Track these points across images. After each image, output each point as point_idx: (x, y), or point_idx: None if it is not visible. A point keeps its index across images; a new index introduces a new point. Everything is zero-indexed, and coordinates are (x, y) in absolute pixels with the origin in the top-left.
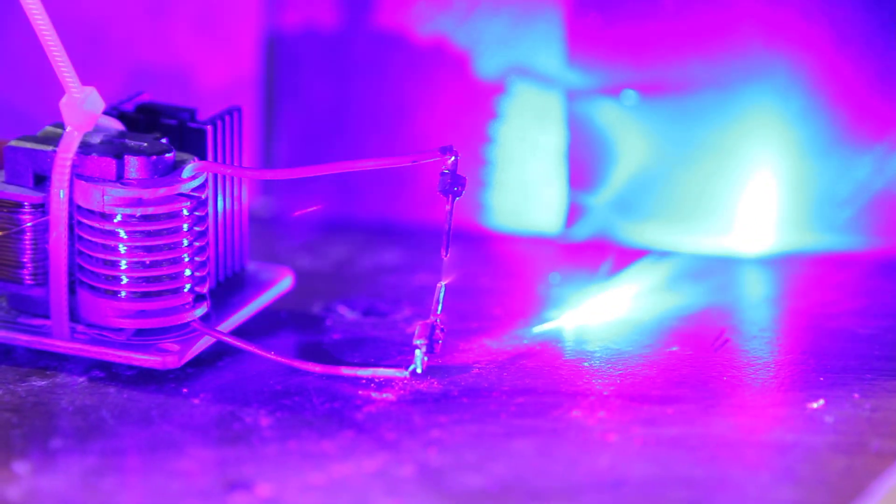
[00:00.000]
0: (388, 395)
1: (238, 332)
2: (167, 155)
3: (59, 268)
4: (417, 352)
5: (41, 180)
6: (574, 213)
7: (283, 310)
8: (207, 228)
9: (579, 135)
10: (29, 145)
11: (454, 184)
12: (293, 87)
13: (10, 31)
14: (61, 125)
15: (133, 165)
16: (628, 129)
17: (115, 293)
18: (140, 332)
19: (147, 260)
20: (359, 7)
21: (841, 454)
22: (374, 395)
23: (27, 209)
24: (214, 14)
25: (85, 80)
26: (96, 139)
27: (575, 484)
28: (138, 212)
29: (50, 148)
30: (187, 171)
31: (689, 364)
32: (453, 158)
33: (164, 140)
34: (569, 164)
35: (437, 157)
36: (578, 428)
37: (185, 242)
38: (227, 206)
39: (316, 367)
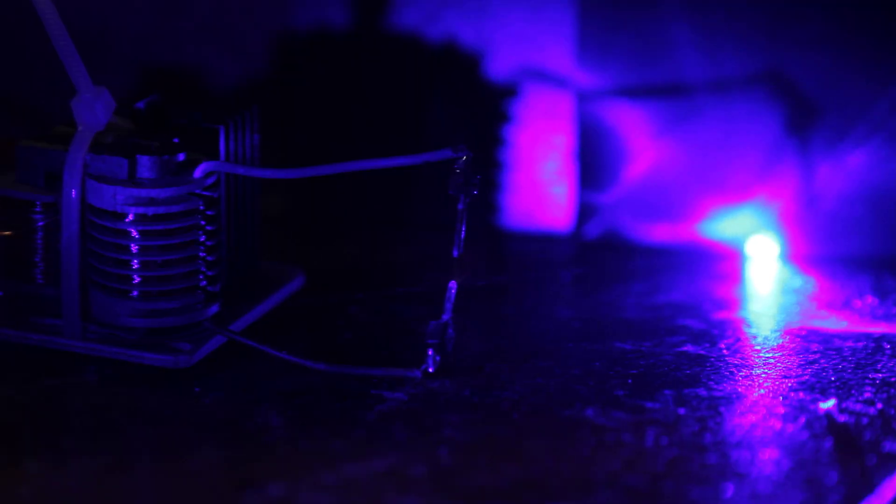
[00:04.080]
0: (400, 395)
1: (249, 331)
2: (179, 154)
3: (71, 267)
4: (429, 351)
5: (53, 179)
6: (585, 212)
7: (295, 309)
8: (219, 227)
9: (591, 135)
10: (41, 145)
11: (466, 183)
12: (305, 86)
13: (22, 30)
14: (73, 124)
15: (145, 165)
16: (639, 130)
17: (127, 292)
18: (152, 332)
19: (159, 259)
20: (371, 7)
21: (852, 454)
22: (385, 394)
23: (39, 208)
24: (227, 14)
25: (97, 80)
26: (108, 139)
27: (587, 483)
28: (150, 211)
29: (62, 147)
30: (199, 171)
31: (701, 364)
32: (465, 158)
33: (175, 140)
34: (580, 165)
35: (450, 157)
36: (590, 428)
37: (197, 242)
38: (239, 205)
39: (327, 367)
